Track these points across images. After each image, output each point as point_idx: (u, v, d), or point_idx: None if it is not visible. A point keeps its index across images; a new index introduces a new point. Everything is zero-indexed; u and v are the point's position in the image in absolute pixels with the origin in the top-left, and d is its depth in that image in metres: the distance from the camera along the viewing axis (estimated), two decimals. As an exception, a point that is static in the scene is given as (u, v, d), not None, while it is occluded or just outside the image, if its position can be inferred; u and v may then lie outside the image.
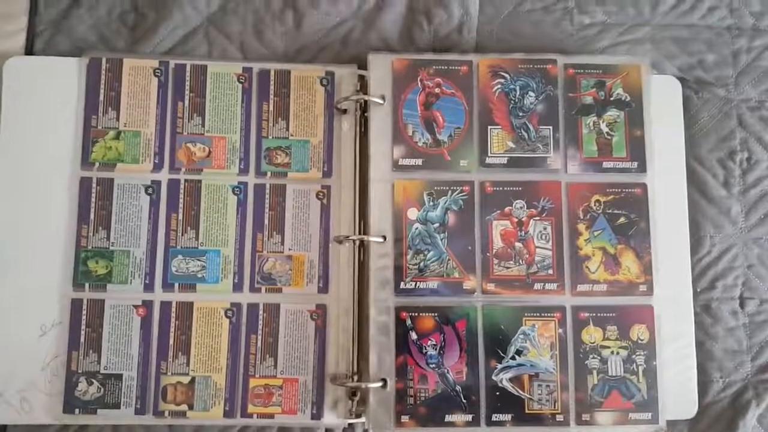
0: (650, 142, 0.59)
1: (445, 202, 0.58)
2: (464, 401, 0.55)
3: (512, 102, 0.59)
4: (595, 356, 0.57)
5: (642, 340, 0.57)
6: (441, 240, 0.57)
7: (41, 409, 0.55)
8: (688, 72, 0.64)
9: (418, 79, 0.59)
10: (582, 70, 0.60)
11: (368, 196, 0.58)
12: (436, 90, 0.59)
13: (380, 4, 0.63)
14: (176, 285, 0.57)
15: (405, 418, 0.55)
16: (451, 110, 0.59)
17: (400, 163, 0.58)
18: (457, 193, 0.58)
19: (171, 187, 0.59)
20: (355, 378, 0.56)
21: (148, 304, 0.57)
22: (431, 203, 0.58)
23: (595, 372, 0.56)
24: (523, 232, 0.58)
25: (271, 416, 0.56)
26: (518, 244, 0.58)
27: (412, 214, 0.57)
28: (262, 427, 0.58)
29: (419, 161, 0.58)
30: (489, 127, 0.59)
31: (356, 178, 0.59)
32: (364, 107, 0.60)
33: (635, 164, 0.59)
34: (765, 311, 0.62)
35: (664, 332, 0.57)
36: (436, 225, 0.57)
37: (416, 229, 0.57)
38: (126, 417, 0.56)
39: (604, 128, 0.59)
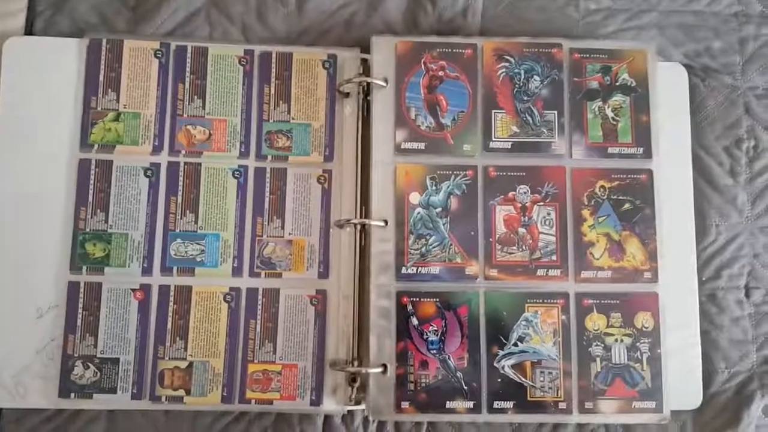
0: (656, 127, 0.59)
1: (448, 187, 0.57)
2: (465, 388, 0.55)
3: (517, 86, 0.59)
4: (599, 344, 0.56)
5: (646, 327, 0.56)
6: (443, 225, 0.56)
7: (36, 393, 0.55)
8: (694, 59, 0.63)
9: (422, 61, 0.58)
10: (587, 55, 0.59)
11: (370, 180, 0.57)
12: (440, 73, 0.58)
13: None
14: (175, 269, 0.57)
15: (405, 405, 0.54)
16: (454, 94, 0.58)
17: (402, 147, 0.57)
18: (460, 178, 0.57)
19: (170, 169, 0.58)
20: (355, 364, 0.55)
21: (146, 288, 0.56)
22: (434, 187, 0.57)
23: (598, 359, 0.56)
24: (526, 218, 0.57)
25: (269, 402, 0.56)
26: (521, 230, 0.57)
27: (414, 198, 0.57)
28: (260, 413, 0.57)
29: (422, 145, 0.57)
30: (493, 111, 0.58)
31: (358, 162, 0.58)
32: (367, 91, 0.59)
33: (641, 150, 0.58)
34: (770, 301, 0.61)
35: (668, 321, 0.57)
36: (439, 210, 0.57)
37: (418, 213, 0.56)
38: (122, 402, 0.55)
39: (610, 113, 0.59)
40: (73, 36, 0.59)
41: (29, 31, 0.61)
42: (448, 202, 0.57)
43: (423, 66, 0.58)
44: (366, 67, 0.59)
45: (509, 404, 0.55)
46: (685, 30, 0.64)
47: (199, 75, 0.59)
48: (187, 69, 0.59)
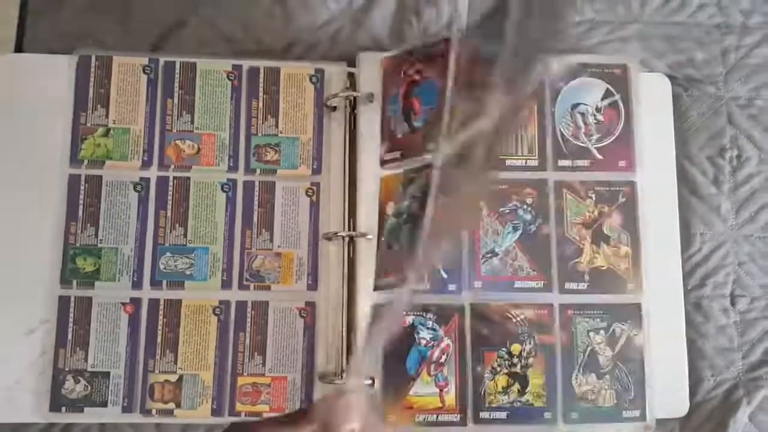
0: (639, 141, 0.59)
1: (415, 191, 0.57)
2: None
3: None
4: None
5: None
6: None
7: (28, 407, 0.55)
8: (677, 70, 0.64)
9: (402, 72, 0.58)
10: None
11: (357, 194, 0.57)
12: (416, 77, 0.58)
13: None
14: (164, 282, 0.57)
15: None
16: (427, 92, 0.57)
17: (384, 158, 0.58)
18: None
19: (160, 184, 0.58)
20: (344, 376, 0.56)
21: (135, 302, 0.57)
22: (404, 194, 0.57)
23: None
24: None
25: (259, 414, 0.56)
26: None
27: (390, 208, 0.56)
28: (250, 425, 0.57)
29: (398, 153, 0.57)
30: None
31: (346, 176, 0.59)
32: (354, 105, 0.59)
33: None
34: (756, 309, 0.61)
35: (654, 330, 0.57)
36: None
37: (391, 224, 0.56)
38: (113, 415, 0.55)
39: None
40: (62, 52, 0.60)
41: (19, 48, 0.61)
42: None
43: (402, 75, 0.58)
44: (353, 81, 0.60)
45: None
46: (668, 41, 0.64)
47: (188, 90, 0.60)
48: (176, 84, 0.60)
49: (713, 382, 0.60)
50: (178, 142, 0.59)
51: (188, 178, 0.58)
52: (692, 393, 0.59)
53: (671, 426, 0.59)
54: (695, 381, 0.60)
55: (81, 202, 0.58)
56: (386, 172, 0.58)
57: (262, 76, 0.60)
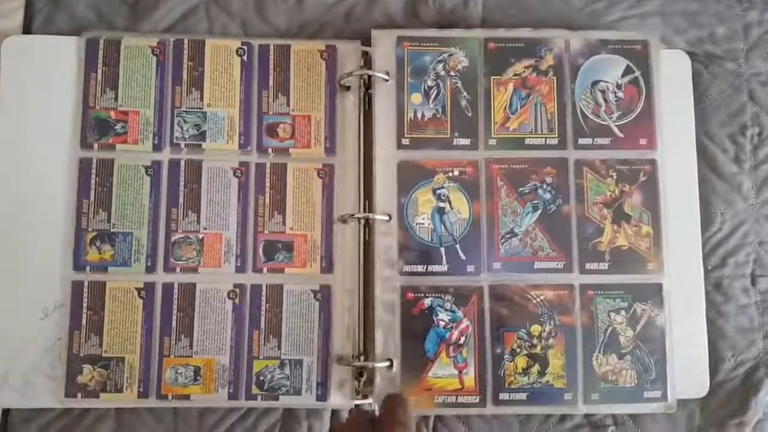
0: (660, 118, 0.58)
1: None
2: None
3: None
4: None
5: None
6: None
7: (44, 393, 0.55)
8: (697, 46, 0.63)
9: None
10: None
11: (373, 174, 0.57)
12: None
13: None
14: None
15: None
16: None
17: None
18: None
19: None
20: (362, 358, 0.55)
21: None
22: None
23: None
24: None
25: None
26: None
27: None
28: (267, 408, 0.57)
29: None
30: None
31: (361, 156, 0.58)
32: (368, 84, 0.58)
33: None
34: (776, 288, 0.61)
35: (674, 310, 0.57)
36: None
37: None
38: (129, 400, 0.55)
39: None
40: (71, 34, 0.59)
41: (27, 29, 0.60)
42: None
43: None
44: (367, 60, 0.59)
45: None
46: (689, 17, 0.63)
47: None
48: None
49: (734, 362, 0.59)
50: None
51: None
52: (712, 373, 0.59)
53: (691, 406, 0.59)
54: (715, 361, 0.59)
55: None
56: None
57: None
